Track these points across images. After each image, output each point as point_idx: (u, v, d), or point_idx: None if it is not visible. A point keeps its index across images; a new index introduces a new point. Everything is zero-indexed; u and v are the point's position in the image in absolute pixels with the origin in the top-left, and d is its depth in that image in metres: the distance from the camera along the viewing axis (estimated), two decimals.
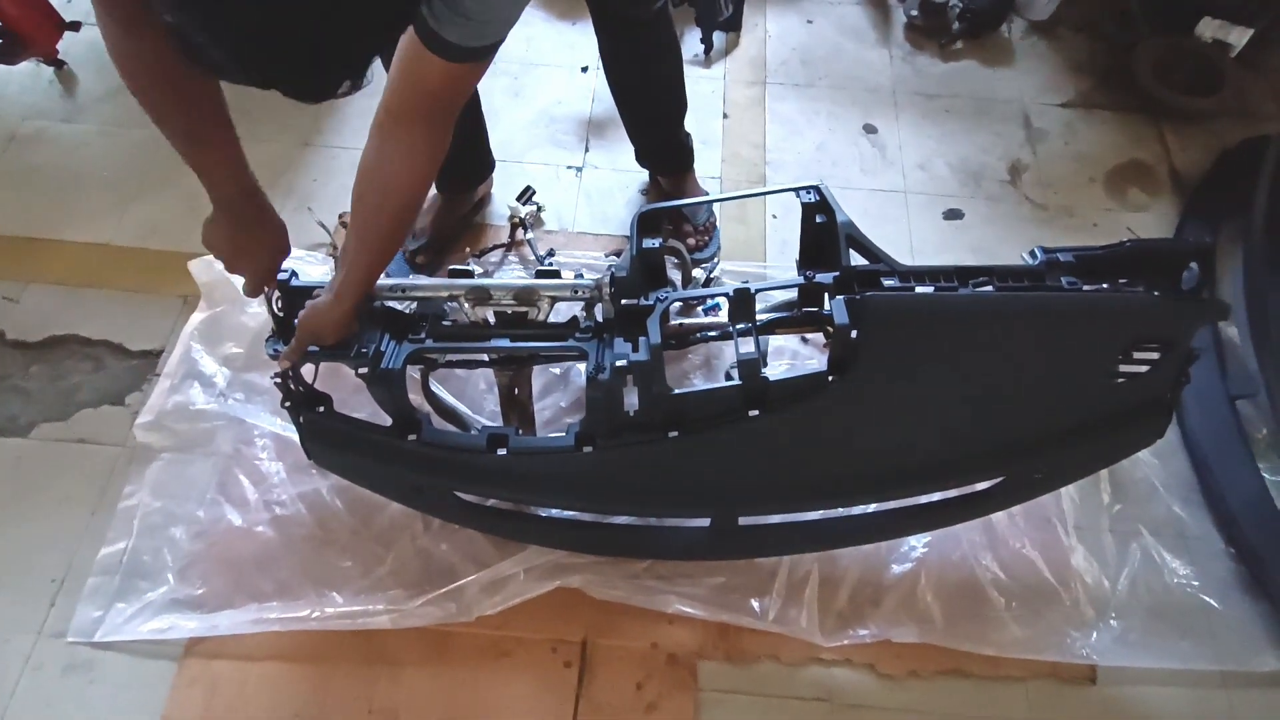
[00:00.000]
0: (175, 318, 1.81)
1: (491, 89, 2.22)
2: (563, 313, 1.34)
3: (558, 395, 1.68)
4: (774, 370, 1.56)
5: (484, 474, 1.29)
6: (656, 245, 1.24)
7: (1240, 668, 1.44)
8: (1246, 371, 1.67)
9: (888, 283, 1.14)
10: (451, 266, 1.35)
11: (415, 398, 1.35)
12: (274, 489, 1.57)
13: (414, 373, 1.41)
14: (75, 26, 2.14)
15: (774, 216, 2.04)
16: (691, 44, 2.36)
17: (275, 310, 1.31)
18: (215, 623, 1.43)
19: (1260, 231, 1.76)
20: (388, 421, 1.28)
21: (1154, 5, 2.39)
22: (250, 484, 1.58)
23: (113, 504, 1.56)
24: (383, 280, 1.28)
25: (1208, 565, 1.54)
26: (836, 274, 1.19)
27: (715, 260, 1.92)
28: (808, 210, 1.29)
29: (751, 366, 1.13)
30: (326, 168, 2.10)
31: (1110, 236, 1.33)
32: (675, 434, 1.20)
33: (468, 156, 1.90)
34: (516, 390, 1.45)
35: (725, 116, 2.25)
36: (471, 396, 1.66)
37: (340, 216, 1.96)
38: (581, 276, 1.30)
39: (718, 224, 1.98)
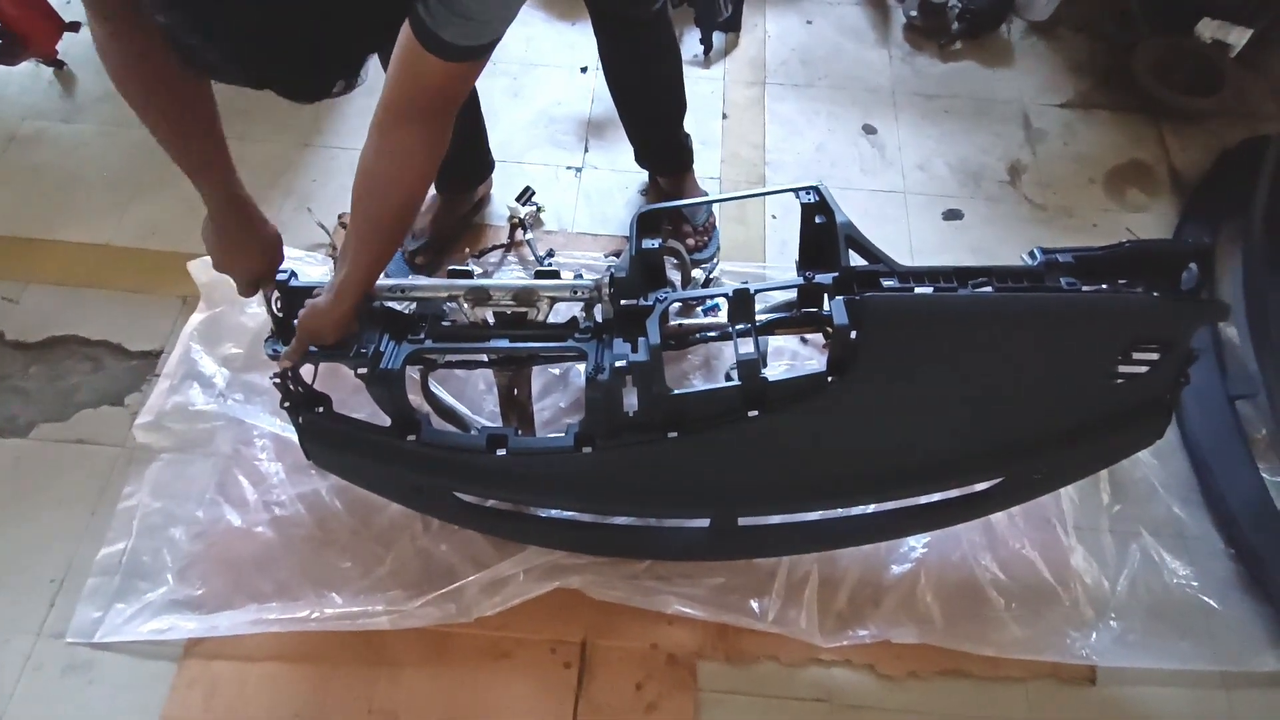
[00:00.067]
0: (175, 318, 1.81)
1: (491, 89, 2.22)
2: (562, 313, 1.34)
3: (557, 395, 1.68)
4: (773, 371, 1.56)
5: (483, 474, 1.29)
6: (656, 246, 1.24)
7: (1240, 668, 1.44)
8: (1246, 372, 1.67)
9: (887, 283, 1.14)
10: (451, 267, 1.35)
11: (415, 398, 1.35)
12: (273, 489, 1.57)
13: (413, 373, 1.42)
14: (75, 27, 2.14)
15: (773, 217, 2.04)
16: (691, 44, 2.36)
17: (275, 310, 1.31)
18: (215, 623, 1.43)
19: (1260, 231, 1.76)
20: (387, 422, 1.28)
21: (1154, 5, 2.39)
22: (249, 484, 1.58)
23: (112, 504, 1.56)
24: (382, 280, 1.28)
25: (1207, 565, 1.54)
26: (836, 274, 1.19)
27: (715, 261, 1.92)
28: (807, 211, 1.29)
29: (751, 367, 1.13)
30: (326, 168, 2.10)
31: (1110, 237, 1.33)
32: (675, 434, 1.20)
33: (467, 157, 1.90)
34: (516, 391, 1.45)
35: (725, 117, 2.25)
36: (471, 397, 1.66)
37: (340, 217, 1.96)
38: (581, 277, 1.30)
39: (717, 224, 1.98)
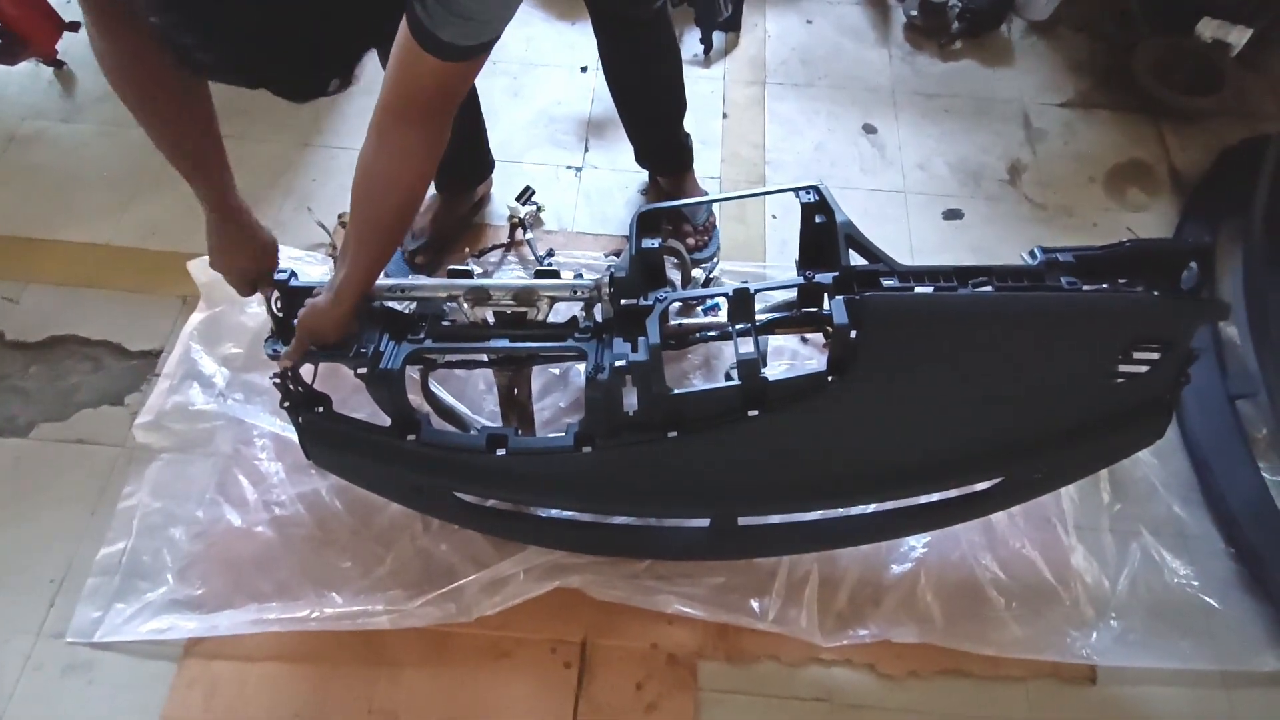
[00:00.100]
0: (174, 318, 1.81)
1: (491, 89, 2.22)
2: (562, 313, 1.34)
3: (557, 395, 1.68)
4: (773, 370, 1.56)
5: (483, 474, 1.29)
6: (656, 245, 1.24)
7: (1240, 667, 1.44)
8: (1246, 371, 1.67)
9: (887, 283, 1.14)
10: (451, 266, 1.35)
11: (415, 398, 1.35)
12: (273, 489, 1.57)
13: (413, 373, 1.42)
14: (74, 27, 2.14)
15: (773, 216, 2.04)
16: (691, 44, 2.36)
17: (274, 310, 1.31)
18: (215, 623, 1.43)
19: (1260, 231, 1.76)
20: (387, 422, 1.28)
21: (1154, 5, 2.39)
22: (249, 484, 1.58)
23: (112, 504, 1.56)
24: (382, 280, 1.28)
25: (1208, 565, 1.54)
26: (836, 274, 1.19)
27: (715, 260, 1.92)
28: (807, 210, 1.29)
29: (751, 366, 1.13)
30: (325, 167, 2.10)
31: (1110, 236, 1.33)
32: (674, 434, 1.20)
33: (467, 156, 1.90)
34: (516, 390, 1.45)
35: (725, 116, 2.25)
36: (471, 396, 1.66)
37: (339, 216, 1.96)
38: (581, 276, 1.30)
39: (717, 224, 1.98)
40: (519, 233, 1.96)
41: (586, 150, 2.17)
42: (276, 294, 1.31)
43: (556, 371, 1.71)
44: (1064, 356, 1.17)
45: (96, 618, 1.45)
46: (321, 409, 1.32)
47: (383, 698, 1.40)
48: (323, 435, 1.33)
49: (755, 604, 1.45)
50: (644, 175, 2.06)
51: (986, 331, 1.14)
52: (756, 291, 1.19)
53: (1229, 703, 1.42)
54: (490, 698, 1.40)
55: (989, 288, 1.12)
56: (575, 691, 1.41)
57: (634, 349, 1.16)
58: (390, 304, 1.33)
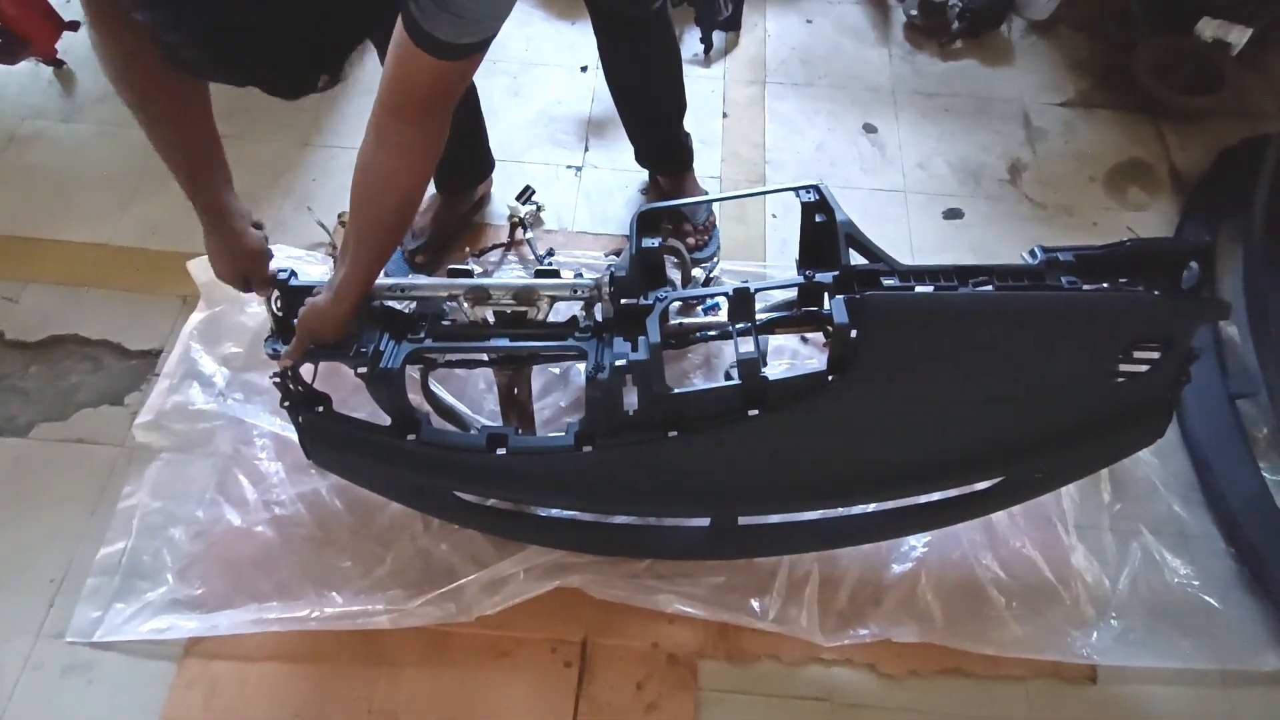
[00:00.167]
0: (174, 318, 1.80)
1: (491, 88, 2.22)
2: (562, 312, 1.34)
3: (557, 395, 1.68)
4: (774, 370, 1.56)
5: (484, 474, 1.29)
6: (656, 245, 1.24)
7: (1241, 667, 1.44)
8: (1247, 370, 1.67)
9: (887, 282, 1.14)
10: (451, 266, 1.35)
11: (415, 397, 1.35)
12: (273, 489, 1.57)
13: (413, 372, 1.41)
14: (74, 26, 2.14)
15: (774, 216, 2.04)
16: (691, 44, 2.36)
17: (274, 310, 1.31)
18: (215, 623, 1.43)
19: (1260, 231, 1.76)
20: (387, 421, 1.28)
21: (1154, 5, 2.39)
22: (249, 484, 1.58)
23: (112, 504, 1.56)
24: (382, 279, 1.28)
25: (1208, 564, 1.54)
26: (836, 273, 1.19)
27: (715, 260, 1.92)
28: (807, 210, 1.29)
29: (751, 366, 1.13)
30: (325, 167, 2.09)
31: (1110, 235, 1.33)
32: (675, 434, 1.19)
33: (467, 156, 1.90)
34: (516, 390, 1.45)
35: (725, 116, 2.25)
36: (471, 396, 1.66)
37: (339, 216, 1.96)
38: (581, 276, 1.30)
39: (717, 223, 1.98)
40: (519, 232, 1.96)
41: (586, 150, 2.17)
42: (276, 293, 1.31)
43: (557, 371, 1.71)
44: (1064, 356, 1.17)
45: (96, 618, 1.45)
46: (321, 408, 1.32)
47: (383, 697, 1.40)
48: (323, 435, 1.33)
49: (756, 603, 1.45)
50: (644, 175, 2.06)
51: (987, 331, 1.14)
52: (757, 291, 1.19)
53: (1229, 702, 1.42)
54: (490, 697, 1.40)
55: (989, 287, 1.12)
56: (575, 691, 1.41)
57: (634, 348, 1.16)
58: (390, 303, 1.32)
